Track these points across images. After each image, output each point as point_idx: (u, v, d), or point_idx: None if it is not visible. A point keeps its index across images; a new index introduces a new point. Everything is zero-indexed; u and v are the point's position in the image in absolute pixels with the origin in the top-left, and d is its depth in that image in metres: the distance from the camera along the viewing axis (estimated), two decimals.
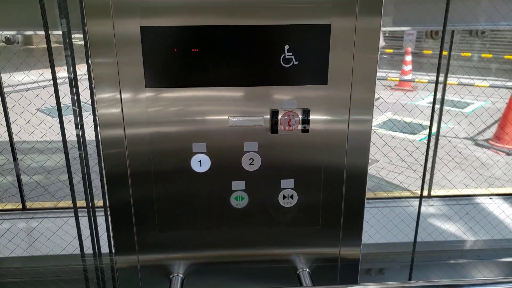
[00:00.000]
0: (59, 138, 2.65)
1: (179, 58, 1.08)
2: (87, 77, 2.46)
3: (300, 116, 1.15)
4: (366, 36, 1.10)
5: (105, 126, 1.12)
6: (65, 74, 2.50)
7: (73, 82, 2.46)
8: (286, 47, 1.10)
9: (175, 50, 1.08)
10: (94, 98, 1.12)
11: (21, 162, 4.73)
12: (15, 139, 3.31)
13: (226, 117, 1.14)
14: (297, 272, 1.28)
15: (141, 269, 1.26)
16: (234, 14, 1.06)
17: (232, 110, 1.14)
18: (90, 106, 2.37)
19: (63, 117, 2.60)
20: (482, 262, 3.58)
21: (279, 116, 1.15)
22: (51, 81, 2.52)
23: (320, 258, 1.29)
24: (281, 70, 1.11)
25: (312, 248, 1.28)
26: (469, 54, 12.65)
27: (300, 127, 1.16)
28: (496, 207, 3.87)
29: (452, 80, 7.45)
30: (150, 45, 1.07)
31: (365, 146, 1.19)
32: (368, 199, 4.08)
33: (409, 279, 3.28)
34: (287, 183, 1.21)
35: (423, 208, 3.75)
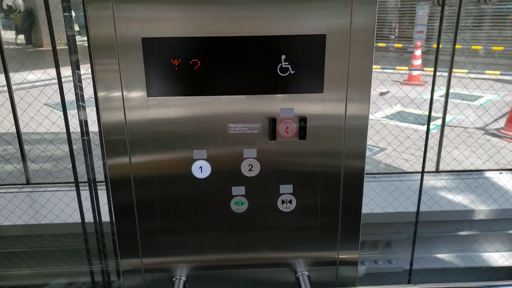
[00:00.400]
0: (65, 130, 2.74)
1: (180, 68, 1.12)
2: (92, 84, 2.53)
3: (297, 123, 1.18)
4: (361, 44, 1.12)
5: (108, 133, 1.16)
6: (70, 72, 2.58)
7: (75, 66, 2.53)
8: (283, 57, 1.12)
9: (176, 60, 1.11)
10: (99, 107, 1.16)
11: (31, 152, 4.81)
12: (25, 130, 3.35)
13: (226, 124, 1.18)
14: (296, 275, 1.31)
15: (145, 272, 1.30)
16: (232, 25, 1.10)
17: (232, 118, 1.17)
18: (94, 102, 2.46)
19: (70, 111, 2.68)
20: (491, 233, 3.53)
21: (277, 124, 1.17)
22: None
23: (319, 262, 1.32)
24: (278, 79, 1.14)
25: (310, 252, 1.31)
26: (479, 47, 12.53)
27: (297, 134, 1.19)
28: (505, 181, 3.76)
29: (461, 70, 7.39)
30: (151, 55, 1.10)
31: (362, 152, 1.21)
32: (375, 173, 4.03)
33: (413, 251, 3.21)
34: (286, 189, 1.24)
35: (431, 182, 3.71)
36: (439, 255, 3.58)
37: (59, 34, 2.67)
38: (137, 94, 1.13)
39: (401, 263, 3.49)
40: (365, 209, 3.35)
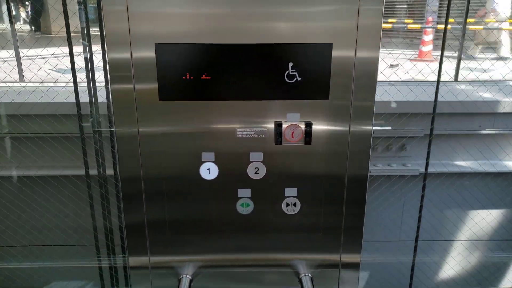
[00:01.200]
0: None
1: (191, 73, 1.15)
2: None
3: (303, 129, 1.20)
4: (366, 52, 1.14)
5: (120, 129, 1.20)
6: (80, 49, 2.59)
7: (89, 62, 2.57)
8: (290, 64, 1.14)
9: (187, 66, 1.15)
10: (111, 103, 1.19)
11: None
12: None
13: (234, 128, 1.20)
14: (299, 277, 1.34)
15: (152, 270, 1.34)
16: (243, 34, 1.13)
17: (240, 122, 1.20)
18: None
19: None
20: None
21: (283, 128, 1.20)
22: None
23: (322, 264, 1.35)
24: (285, 85, 1.16)
25: (313, 254, 1.34)
26: (493, 21, 12.14)
27: (303, 138, 1.21)
28: None
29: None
30: (164, 61, 1.14)
31: (365, 157, 1.24)
32: (393, 81, 3.75)
33: (429, 150, 2.98)
34: (290, 192, 1.27)
35: (451, 88, 3.50)
36: (457, 161, 3.37)
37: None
38: (150, 97, 1.17)
39: (417, 167, 3.27)
40: (383, 97, 3.10)
